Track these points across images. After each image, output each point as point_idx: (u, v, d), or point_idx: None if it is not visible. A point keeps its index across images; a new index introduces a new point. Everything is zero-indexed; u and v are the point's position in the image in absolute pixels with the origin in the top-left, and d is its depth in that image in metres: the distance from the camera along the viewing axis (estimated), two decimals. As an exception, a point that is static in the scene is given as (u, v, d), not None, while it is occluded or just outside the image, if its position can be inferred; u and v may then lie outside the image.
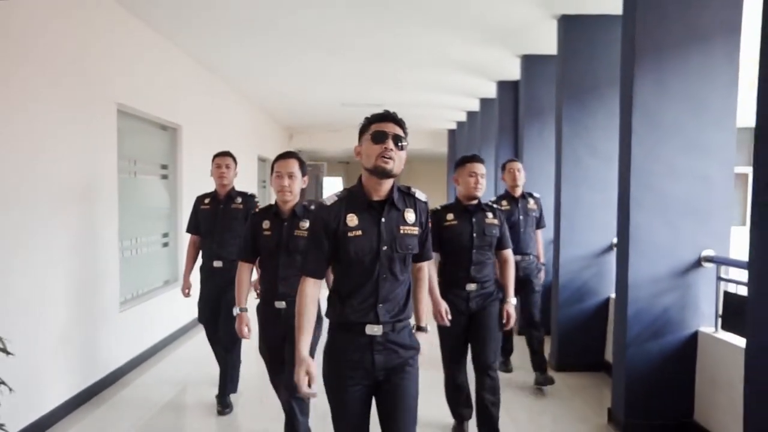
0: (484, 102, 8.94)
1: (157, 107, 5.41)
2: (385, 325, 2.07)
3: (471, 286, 3.25)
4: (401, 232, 2.09)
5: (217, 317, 4.01)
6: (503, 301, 3.33)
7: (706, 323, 3.50)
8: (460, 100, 9.37)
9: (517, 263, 4.26)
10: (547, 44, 5.39)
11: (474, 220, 3.26)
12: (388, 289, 2.07)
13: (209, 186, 4.18)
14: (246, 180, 8.35)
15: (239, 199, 4.05)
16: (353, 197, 2.10)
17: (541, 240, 4.72)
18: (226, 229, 3.99)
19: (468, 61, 6.60)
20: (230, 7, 4.74)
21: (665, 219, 3.48)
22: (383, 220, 2.06)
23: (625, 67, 3.59)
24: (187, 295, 4.19)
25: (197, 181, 5.72)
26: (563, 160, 4.87)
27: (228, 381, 3.98)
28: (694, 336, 3.50)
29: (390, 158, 2.00)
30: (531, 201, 4.61)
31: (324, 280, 2.16)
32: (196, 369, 4.88)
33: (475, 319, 3.27)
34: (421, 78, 7.67)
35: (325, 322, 2.28)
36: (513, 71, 6.67)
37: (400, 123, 2.09)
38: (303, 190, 3.06)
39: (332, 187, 18.58)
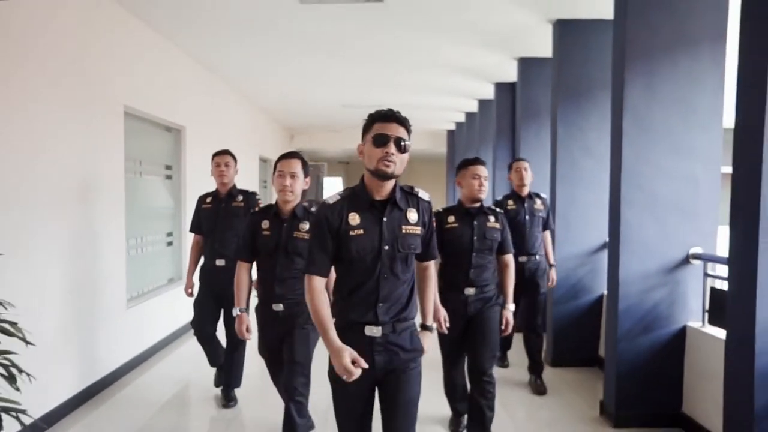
0: (483, 103, 9.06)
1: (161, 109, 5.54)
2: (385, 326, 2.07)
3: (469, 291, 3.23)
4: (403, 231, 2.09)
5: (213, 316, 4.04)
6: (502, 306, 3.31)
7: (694, 318, 3.63)
8: (458, 102, 9.49)
9: (522, 264, 4.32)
10: (543, 47, 5.52)
11: (475, 223, 3.25)
12: (389, 289, 2.08)
13: (212, 186, 4.20)
14: (247, 180, 8.48)
15: (240, 197, 4.05)
16: (356, 196, 2.11)
17: (549, 241, 4.66)
18: (227, 227, 3.98)
19: (466, 63, 6.73)
20: (230, 8, 4.80)
21: (655, 218, 3.61)
22: (385, 219, 2.07)
23: (615, 71, 3.72)
24: (189, 294, 4.18)
25: (200, 181, 5.83)
26: (558, 161, 5.00)
27: (233, 376, 4.08)
28: (683, 330, 3.63)
29: (391, 162, 2.01)
30: (538, 201, 4.53)
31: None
32: (199, 365, 4.97)
33: (473, 323, 3.25)
34: (420, 80, 7.79)
35: None
36: (510, 73, 6.80)
37: (403, 122, 2.08)
38: (304, 191, 3.04)
39: (332, 187, 18.71)
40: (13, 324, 2.19)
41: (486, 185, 3.23)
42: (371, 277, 2.07)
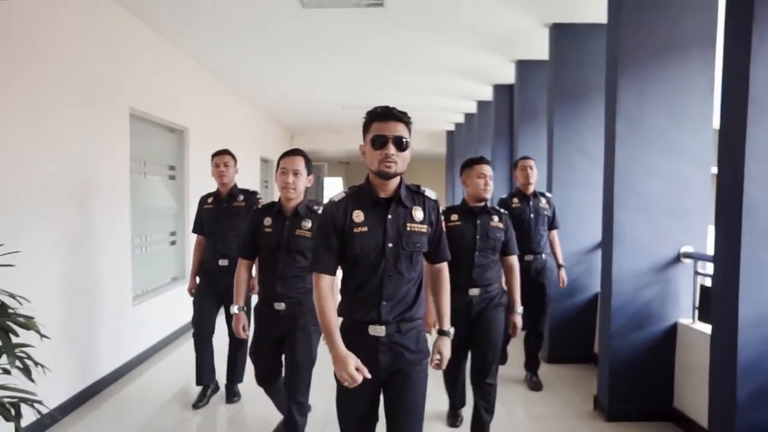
0: (482, 104, 9.16)
1: (165, 110, 5.64)
2: (389, 325, 2.06)
3: (474, 291, 3.22)
4: (408, 229, 2.08)
5: (213, 316, 4.04)
6: (511, 310, 3.30)
7: (685, 315, 3.74)
8: (458, 103, 9.59)
9: (528, 263, 4.34)
10: (541, 50, 5.62)
11: (478, 222, 3.25)
12: (393, 287, 2.06)
13: (214, 186, 4.19)
14: (249, 180, 8.59)
15: (241, 197, 4.04)
16: (361, 194, 2.11)
17: (557, 241, 4.64)
18: (229, 227, 3.97)
19: (465, 65, 6.83)
20: (231, 9, 4.85)
21: (647, 218, 3.71)
22: (389, 216, 2.06)
23: (609, 75, 3.82)
24: (193, 295, 4.17)
25: (203, 181, 5.92)
26: (555, 162, 5.10)
27: (236, 373, 4.16)
28: (674, 327, 3.73)
29: (392, 162, 2.00)
30: (543, 200, 4.54)
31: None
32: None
33: (476, 325, 3.23)
34: (420, 81, 7.89)
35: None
36: (509, 75, 6.90)
37: (401, 118, 2.05)
38: (307, 189, 3.03)
39: (333, 187, 18.83)
40: (29, 318, 2.30)
41: (491, 184, 3.24)
42: (375, 274, 2.06)
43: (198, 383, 4.09)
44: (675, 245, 3.72)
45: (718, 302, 2.59)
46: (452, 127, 12.72)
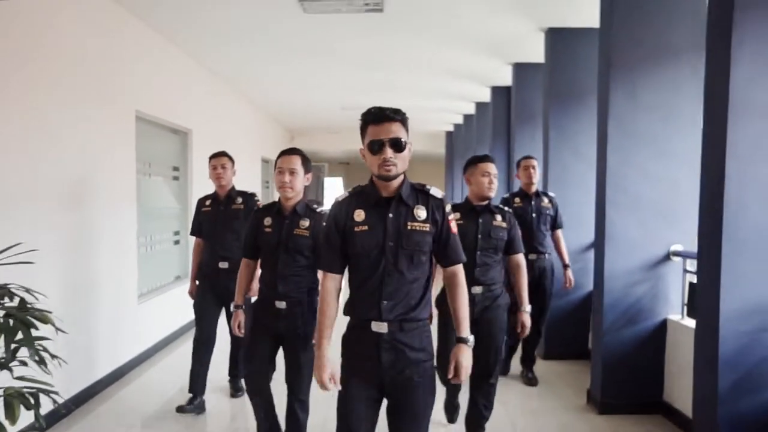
0: (480, 106, 9.28)
1: (169, 112, 5.75)
2: (391, 323, 2.05)
3: (477, 290, 3.16)
4: (408, 228, 2.06)
5: (215, 318, 4.02)
6: (518, 309, 3.26)
7: (674, 311, 3.86)
8: (456, 104, 9.72)
9: (531, 262, 4.32)
10: (536, 53, 5.73)
11: (480, 220, 3.22)
12: (394, 286, 2.05)
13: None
14: (250, 180, 8.71)
15: (239, 199, 4.02)
16: (364, 194, 2.13)
17: (562, 240, 4.65)
18: (227, 230, 3.95)
19: (463, 67, 6.95)
20: (231, 10, 4.90)
21: (638, 218, 3.83)
22: (390, 215, 2.06)
23: (601, 80, 3.94)
24: (193, 297, 4.17)
25: (206, 182, 5.97)
26: (550, 164, 5.22)
27: (239, 368, 4.23)
28: (664, 323, 3.86)
29: (391, 165, 2.00)
30: (545, 200, 4.56)
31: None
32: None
33: (478, 326, 3.12)
34: (419, 83, 8.02)
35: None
36: (506, 77, 7.00)
37: (395, 118, 2.03)
38: (306, 189, 3.04)
39: (333, 187, 18.95)
40: (47, 312, 2.42)
41: (495, 183, 3.20)
42: (375, 273, 2.06)
43: (191, 389, 4.01)
44: (665, 244, 3.84)
45: (702, 298, 2.71)
46: (451, 128, 12.83)
